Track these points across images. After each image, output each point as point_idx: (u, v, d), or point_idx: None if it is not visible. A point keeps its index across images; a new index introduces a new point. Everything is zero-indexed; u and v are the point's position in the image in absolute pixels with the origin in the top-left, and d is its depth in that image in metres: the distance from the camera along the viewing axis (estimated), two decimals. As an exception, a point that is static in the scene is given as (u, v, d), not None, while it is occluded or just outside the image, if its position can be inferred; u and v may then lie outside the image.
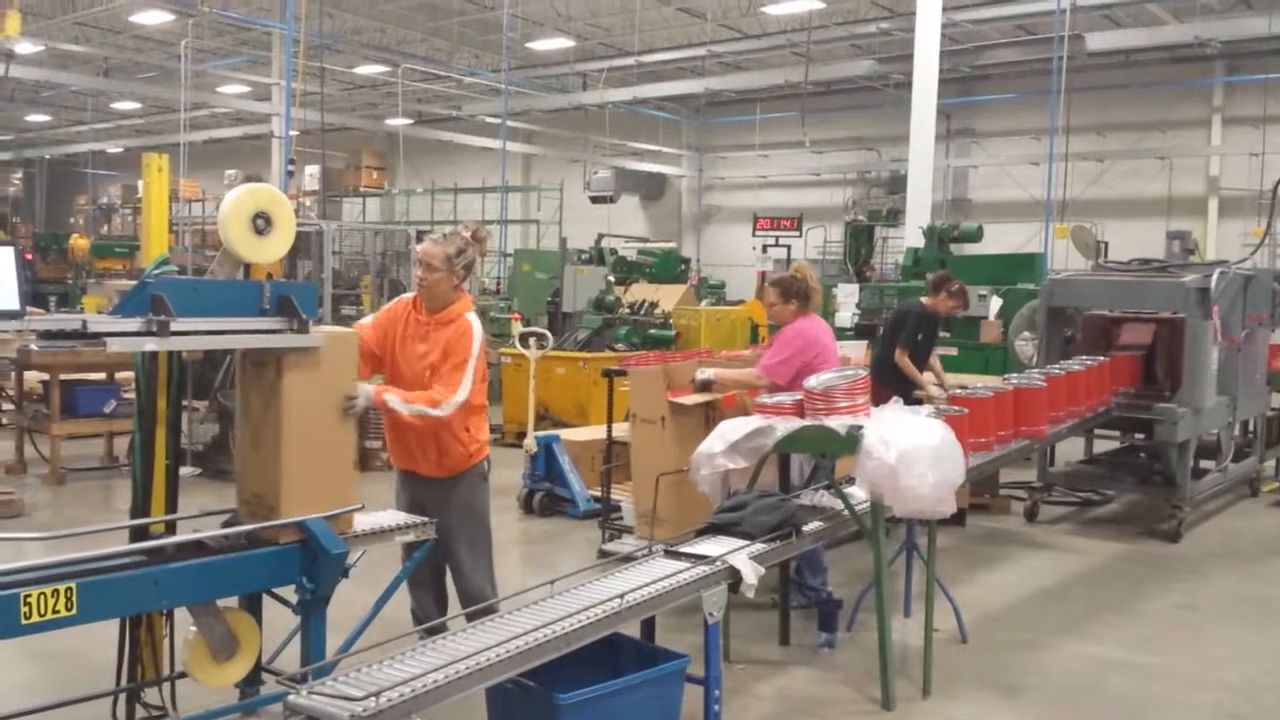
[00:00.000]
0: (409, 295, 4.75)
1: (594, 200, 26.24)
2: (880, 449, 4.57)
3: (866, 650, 5.17)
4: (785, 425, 4.94)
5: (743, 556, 4.26)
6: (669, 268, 17.91)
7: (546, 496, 8.32)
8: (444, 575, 4.76)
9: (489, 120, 26.04)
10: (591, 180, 26.40)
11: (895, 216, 18.13)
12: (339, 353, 4.09)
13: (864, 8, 20.10)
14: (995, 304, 10.87)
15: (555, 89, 25.78)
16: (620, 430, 6.93)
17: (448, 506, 4.58)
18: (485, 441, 4.68)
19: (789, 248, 23.80)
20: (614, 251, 19.72)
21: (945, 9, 14.50)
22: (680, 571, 4.13)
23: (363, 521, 4.43)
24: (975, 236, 12.61)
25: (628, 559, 4.65)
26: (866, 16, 20.11)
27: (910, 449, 4.57)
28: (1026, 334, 9.79)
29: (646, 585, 3.97)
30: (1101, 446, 9.59)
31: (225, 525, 4.10)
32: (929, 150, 14.09)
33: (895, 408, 4.93)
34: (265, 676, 4.29)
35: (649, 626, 4.32)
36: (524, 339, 9.58)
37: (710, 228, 29.42)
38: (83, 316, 3.62)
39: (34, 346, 8.71)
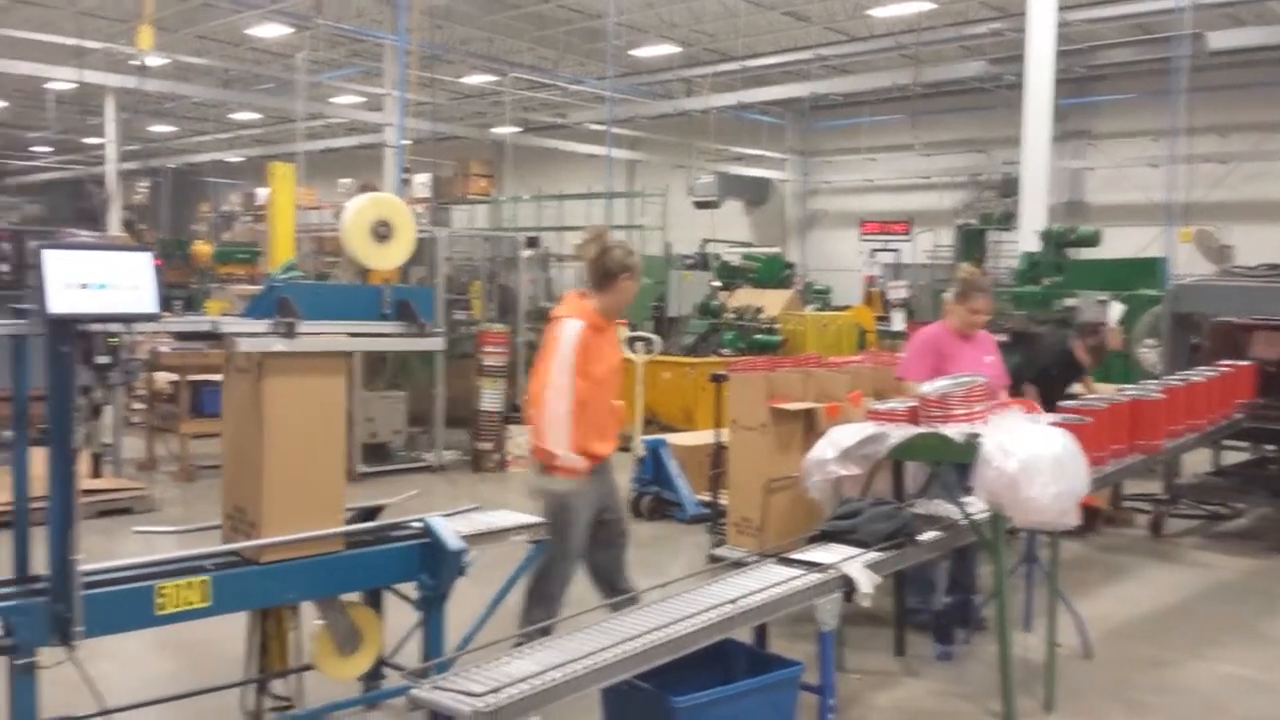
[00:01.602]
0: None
1: (698, 205, 26.24)
2: (1000, 458, 4.46)
3: (985, 663, 5.06)
4: (899, 432, 4.87)
5: (857, 565, 4.21)
6: (773, 273, 17.83)
7: (654, 500, 8.34)
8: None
9: (594, 127, 26.26)
10: (695, 185, 26.41)
11: (1008, 220, 17.71)
12: (327, 358, 3.89)
13: (974, 8, 19.70)
14: (1116, 310, 10.54)
15: (659, 95, 25.88)
16: (728, 435, 6.91)
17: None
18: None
19: (897, 252, 23.44)
20: (718, 256, 19.72)
21: (1059, 9, 14.13)
22: (793, 578, 4.10)
23: (479, 521, 4.52)
24: (1093, 240, 12.25)
25: (738, 564, 4.64)
26: (977, 17, 19.71)
27: (1031, 458, 4.46)
28: (1150, 341, 9.47)
29: (760, 591, 3.96)
30: (1231, 458, 9.21)
31: (348, 523, 4.21)
32: (1044, 152, 13.74)
33: (1014, 415, 4.82)
34: (386, 671, 4.39)
35: (761, 633, 4.30)
36: (631, 343, 9.63)
37: (815, 232, 29.15)
38: (214, 319, 3.77)
39: (164, 348, 9.08)
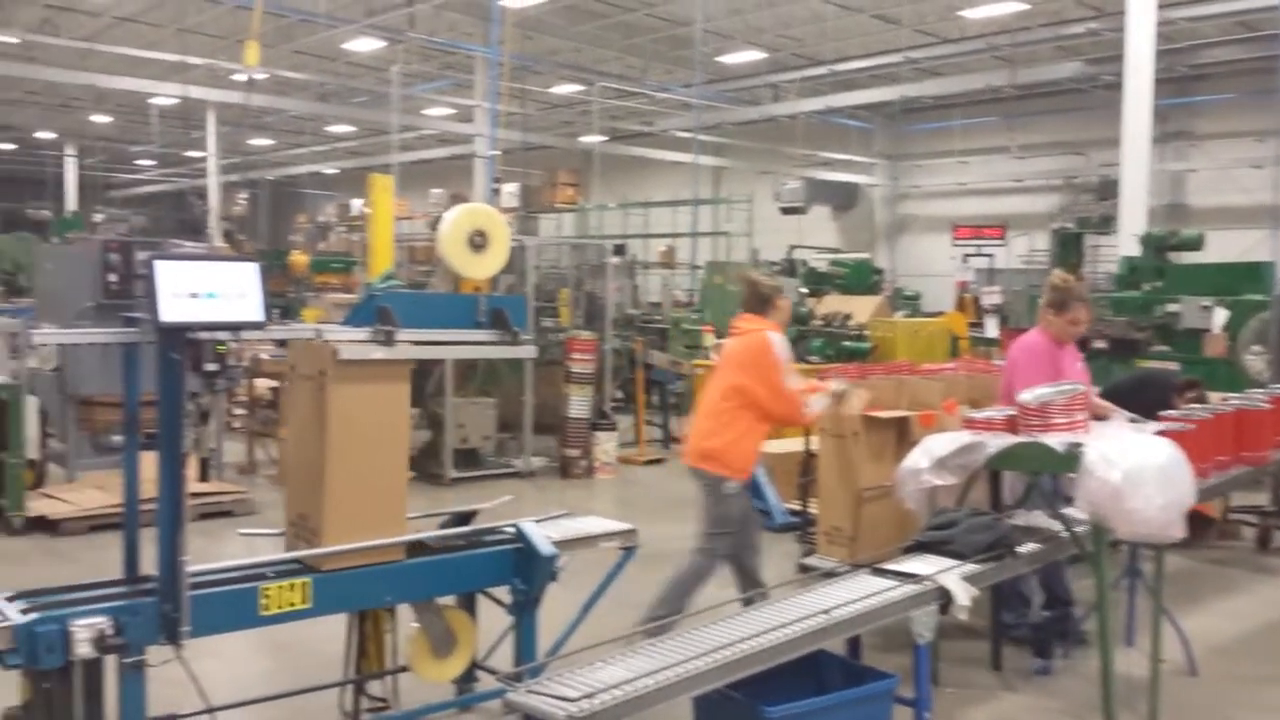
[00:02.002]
0: None
1: (784, 211, 26.06)
2: (1103, 468, 4.34)
3: (1084, 679, 4.92)
4: (997, 441, 4.77)
5: (954, 577, 4.13)
6: (861, 279, 17.60)
7: (742, 508, 8.28)
8: None
9: (680, 135, 26.29)
10: (782, 191, 26.24)
11: (1106, 224, 17.23)
12: (392, 366, 3.84)
13: (1070, 8, 19.24)
14: (1220, 316, 10.18)
15: (746, 101, 25.81)
16: (818, 443, 6.83)
17: None
18: None
19: (991, 257, 22.98)
20: (805, 263, 19.57)
21: (1159, 7, 13.72)
22: (888, 590, 4.04)
23: (569, 527, 4.55)
24: (1196, 244, 11.85)
25: (830, 575, 4.59)
26: (1073, 16, 19.26)
27: (1135, 468, 4.33)
28: (1256, 348, 9.13)
29: (853, 602, 3.91)
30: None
31: (442, 527, 4.28)
32: (1143, 154, 13.35)
33: (1117, 424, 4.68)
34: (479, 674, 4.45)
35: (854, 645, 4.25)
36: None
37: (904, 237, 28.76)
38: (317, 326, 3.85)
39: (264, 355, 9.34)
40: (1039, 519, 4.83)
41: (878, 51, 22.12)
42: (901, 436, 5.76)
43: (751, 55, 23.11)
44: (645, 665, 3.32)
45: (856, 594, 3.99)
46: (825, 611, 3.75)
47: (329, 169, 36.05)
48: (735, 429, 5.02)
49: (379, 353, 3.74)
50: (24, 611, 3.16)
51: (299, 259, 24.42)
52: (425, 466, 9.58)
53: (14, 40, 22.12)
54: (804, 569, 6.47)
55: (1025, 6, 18.73)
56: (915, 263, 27.40)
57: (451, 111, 27.25)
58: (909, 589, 4.03)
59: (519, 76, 17.32)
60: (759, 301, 5.29)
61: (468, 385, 10.17)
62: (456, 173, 28.92)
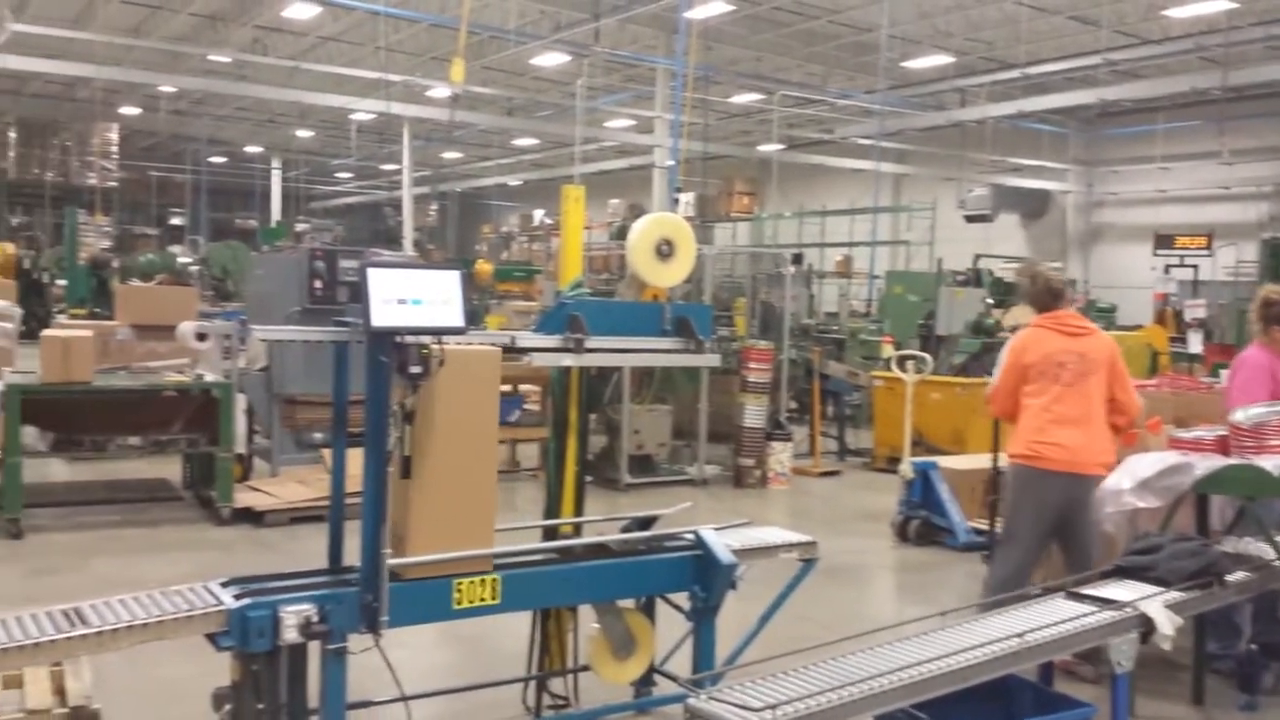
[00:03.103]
0: None
1: (969, 219, 25.30)
2: (1327, 494, 4.03)
3: (1299, 720, 4.58)
4: (1206, 463, 4.50)
5: (1157, 604, 3.92)
6: (1052, 290, 16.88)
7: (922, 525, 8.09)
8: None
9: (860, 142, 25.89)
10: (966, 199, 25.49)
11: (1325, 234, 16.02)
12: (482, 375, 3.75)
13: (1285, 4, 18.00)
14: None
15: (930, 106, 25.19)
16: (1005, 460, 6.59)
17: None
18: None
19: (1195, 268, 21.69)
20: (990, 272, 18.94)
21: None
22: (1085, 615, 3.86)
23: (748, 536, 4.53)
24: None
25: (1021, 597, 4.42)
26: (1289, 13, 18.00)
27: (1365, 496, 4.01)
28: None
29: (1048, 626, 3.75)
30: None
31: (623, 531, 4.34)
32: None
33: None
34: (657, 678, 4.48)
35: (1047, 671, 4.09)
36: (901, 362, 9.40)
37: (1099, 247, 27.44)
38: (512, 333, 3.98)
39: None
40: (1251, 546, 4.53)
41: (1074, 53, 21.21)
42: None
43: (938, 59, 22.54)
44: (826, 680, 3.27)
45: (1051, 618, 3.82)
46: (1019, 635, 3.61)
47: (513, 180, 37.18)
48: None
49: (568, 359, 3.82)
50: (236, 597, 3.36)
51: (484, 267, 25.31)
52: (601, 471, 9.73)
53: (227, 60, 23.76)
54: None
55: (1235, 5, 17.60)
56: (1110, 273, 26.10)
57: (631, 123, 27.67)
58: (1108, 615, 3.84)
59: (699, 87, 17.43)
60: (1051, 296, 5.03)
61: (644, 392, 10.28)
62: (633, 183, 29.34)
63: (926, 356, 9.52)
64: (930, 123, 25.02)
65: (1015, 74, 21.42)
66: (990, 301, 14.37)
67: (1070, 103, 22.81)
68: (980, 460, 7.67)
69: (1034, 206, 27.43)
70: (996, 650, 3.54)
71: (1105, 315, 19.31)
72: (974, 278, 17.87)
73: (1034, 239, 27.84)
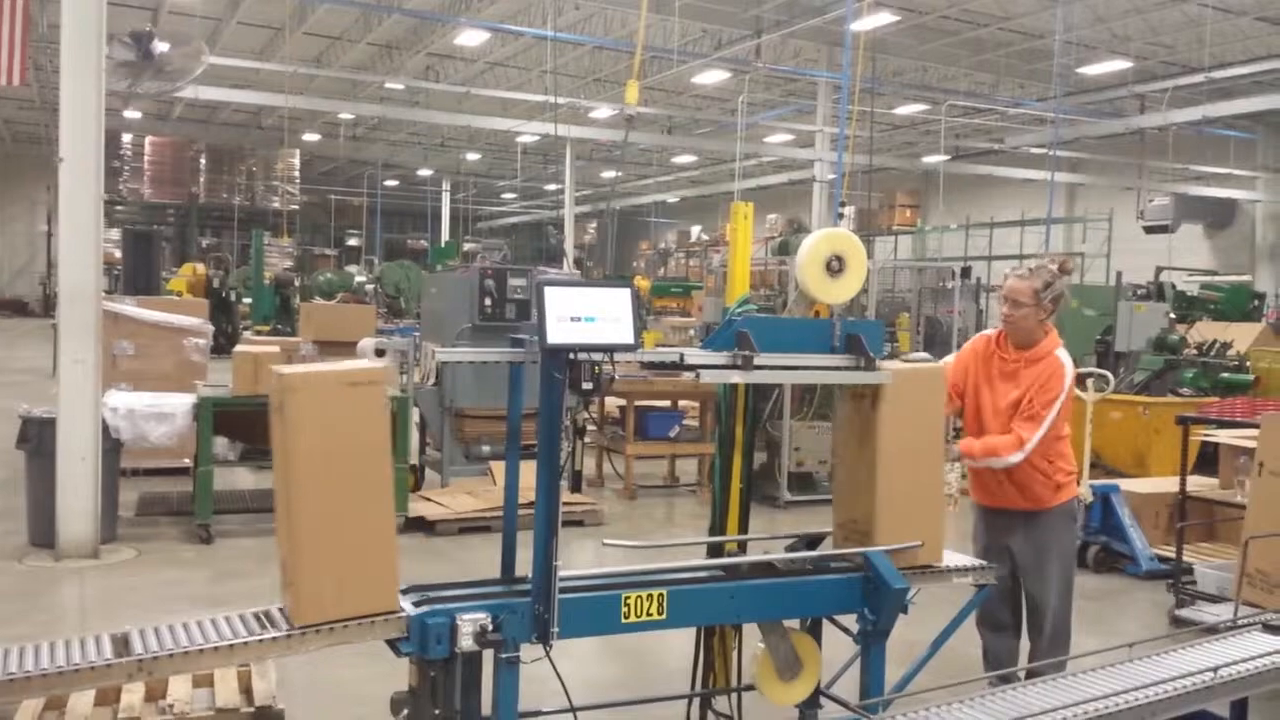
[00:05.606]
0: (990, 332, 4.78)
1: (1148, 230, 24.14)
2: None
3: None
4: None
5: (1369, 643, 3.63)
6: (1238, 304, 15.99)
7: (1102, 551, 7.72)
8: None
9: (1031, 151, 25.04)
10: (1146, 209, 24.31)
11: None
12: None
13: None
14: None
15: (1107, 114, 24.16)
16: (1195, 484, 6.25)
17: (1030, 542, 4.57)
18: (1071, 475, 4.59)
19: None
20: (1173, 285, 18.00)
21: None
22: (1285, 651, 3.62)
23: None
24: None
25: (1211, 630, 4.18)
26: None
27: None
28: None
29: (1244, 661, 3.53)
30: None
31: (789, 549, 4.29)
32: None
33: None
34: (824, 701, 4.41)
35: (1242, 708, 3.83)
36: (1080, 380, 9.00)
37: (1292, 259, 25.77)
38: (680, 350, 3.99)
39: (616, 375, 9.80)
40: None
41: (1263, 56, 20.02)
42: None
43: (1115, 65, 21.62)
44: (1004, 711, 3.18)
45: (1246, 653, 3.60)
46: (1213, 670, 3.41)
47: (671, 198, 37.50)
48: None
49: (735, 376, 3.82)
50: (415, 604, 3.48)
51: (641, 283, 25.59)
52: (761, 488, 9.67)
53: (400, 86, 24.79)
54: (1176, 621, 5.95)
55: None
56: (1306, 287, 24.46)
57: (790, 137, 27.51)
58: (1312, 652, 3.59)
59: (863, 99, 17.21)
60: None
61: (805, 408, 10.16)
62: (791, 197, 29.15)
63: (1108, 374, 9.09)
64: (1107, 130, 24.02)
65: (1199, 78, 20.35)
66: (1173, 316, 13.66)
67: (1259, 107, 21.54)
68: (1166, 484, 7.29)
69: (1219, 216, 25.96)
70: (1188, 685, 3.36)
71: (1301, 331, 18.06)
72: (1155, 290, 17.01)
73: (1219, 250, 26.34)
